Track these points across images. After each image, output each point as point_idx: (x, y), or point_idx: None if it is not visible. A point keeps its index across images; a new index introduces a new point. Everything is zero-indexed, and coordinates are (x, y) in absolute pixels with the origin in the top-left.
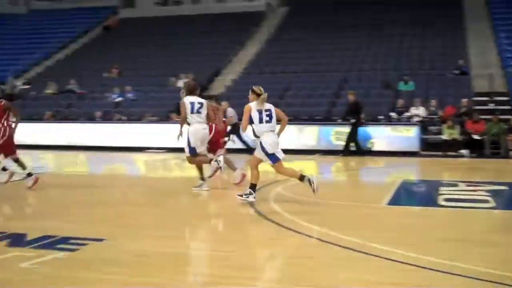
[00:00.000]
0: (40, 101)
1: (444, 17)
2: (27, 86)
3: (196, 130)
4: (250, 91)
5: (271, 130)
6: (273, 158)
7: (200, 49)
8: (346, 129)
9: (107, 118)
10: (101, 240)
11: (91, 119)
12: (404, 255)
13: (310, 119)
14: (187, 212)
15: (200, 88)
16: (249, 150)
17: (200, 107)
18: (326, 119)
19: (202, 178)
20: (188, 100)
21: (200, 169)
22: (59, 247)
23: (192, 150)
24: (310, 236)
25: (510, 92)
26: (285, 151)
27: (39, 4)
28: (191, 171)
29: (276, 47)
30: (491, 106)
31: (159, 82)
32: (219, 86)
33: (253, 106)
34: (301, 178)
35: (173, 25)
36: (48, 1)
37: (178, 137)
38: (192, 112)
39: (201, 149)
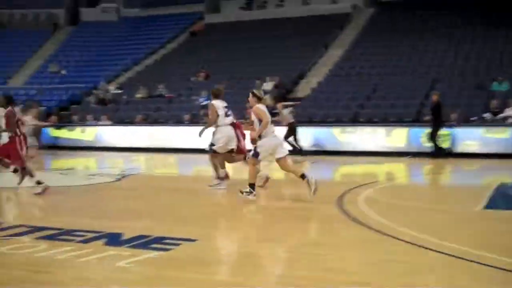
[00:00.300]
0: (131, 105)
1: None
2: (119, 91)
3: (227, 131)
4: (250, 94)
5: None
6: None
7: (285, 52)
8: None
9: (194, 121)
10: (193, 240)
11: (179, 122)
12: (507, 262)
13: (399, 121)
14: (275, 214)
15: (285, 91)
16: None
17: (229, 110)
18: (415, 121)
19: (219, 177)
20: (220, 103)
21: (216, 167)
22: (153, 247)
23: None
24: (404, 241)
25: None
26: (374, 153)
27: (129, 12)
28: (279, 173)
29: (362, 49)
30: None
31: (244, 85)
32: (304, 88)
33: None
34: (302, 176)
35: (258, 29)
36: (137, 9)
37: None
38: (226, 115)
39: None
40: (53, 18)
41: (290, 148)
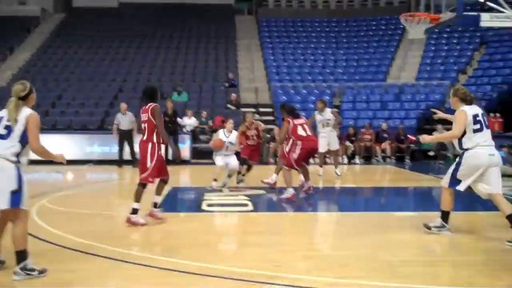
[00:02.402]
0: None
1: (217, 31)
2: None
3: None
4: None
5: None
6: None
7: None
8: None
9: None
10: None
11: None
12: (166, 261)
13: (83, 128)
14: None
15: None
16: None
17: None
18: (99, 129)
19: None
20: None
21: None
22: None
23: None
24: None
25: (274, 104)
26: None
27: None
28: None
29: (49, 54)
30: (257, 117)
31: None
32: None
33: None
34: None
35: None
36: None
37: None
38: None
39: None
40: None
41: None
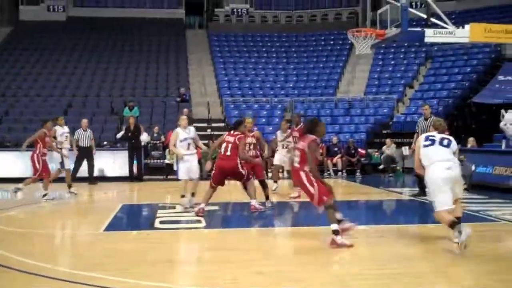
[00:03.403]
0: None
1: (169, 46)
2: None
3: None
4: None
5: None
6: None
7: None
8: None
9: None
10: None
11: None
12: (114, 280)
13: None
14: None
15: None
16: None
17: None
18: None
19: None
20: None
21: None
22: None
23: None
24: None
25: (226, 119)
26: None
27: None
28: None
29: None
30: (209, 132)
31: None
32: None
33: None
34: None
35: None
36: None
37: None
38: None
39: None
40: None
41: None
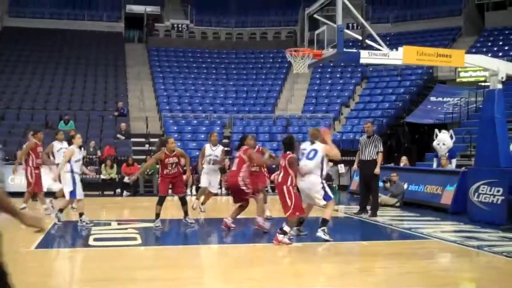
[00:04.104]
0: None
1: (108, 59)
2: None
3: None
4: None
5: None
6: None
7: None
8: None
9: None
10: None
11: None
12: None
13: None
14: None
15: None
16: None
17: None
18: None
19: None
20: None
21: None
22: None
23: None
24: None
25: (164, 134)
26: None
27: None
28: None
29: None
30: (147, 147)
31: None
32: None
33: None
34: None
35: None
36: None
37: None
38: None
39: None
40: None
41: None
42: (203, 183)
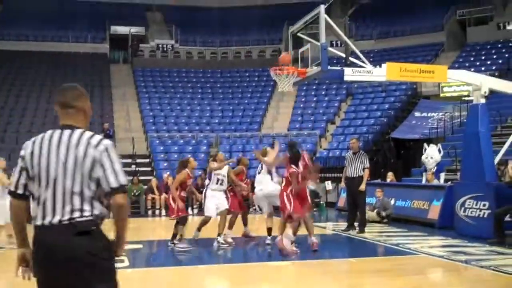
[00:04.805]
0: None
1: (93, 80)
2: None
3: None
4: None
5: None
6: None
7: None
8: None
9: None
10: None
11: None
12: None
13: None
14: None
15: None
16: None
17: None
18: None
19: None
20: None
21: None
22: None
23: None
24: None
25: (151, 155)
26: None
27: None
28: None
29: None
30: (133, 168)
31: None
32: None
33: None
34: None
35: None
36: None
37: None
38: None
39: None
40: None
41: None
42: (212, 211)
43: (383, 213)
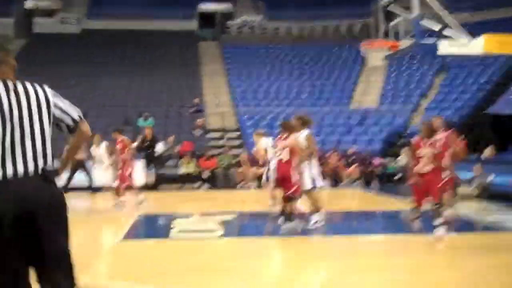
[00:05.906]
0: None
1: (182, 57)
2: None
3: None
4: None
5: None
6: None
7: None
8: None
9: None
10: None
11: None
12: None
13: None
14: None
15: None
16: None
17: None
18: None
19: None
20: None
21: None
22: None
23: None
24: None
25: (240, 129)
26: None
27: None
28: None
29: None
30: (223, 141)
31: None
32: None
33: None
34: None
35: None
36: None
37: None
38: None
39: None
40: None
41: None
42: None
43: (479, 189)
